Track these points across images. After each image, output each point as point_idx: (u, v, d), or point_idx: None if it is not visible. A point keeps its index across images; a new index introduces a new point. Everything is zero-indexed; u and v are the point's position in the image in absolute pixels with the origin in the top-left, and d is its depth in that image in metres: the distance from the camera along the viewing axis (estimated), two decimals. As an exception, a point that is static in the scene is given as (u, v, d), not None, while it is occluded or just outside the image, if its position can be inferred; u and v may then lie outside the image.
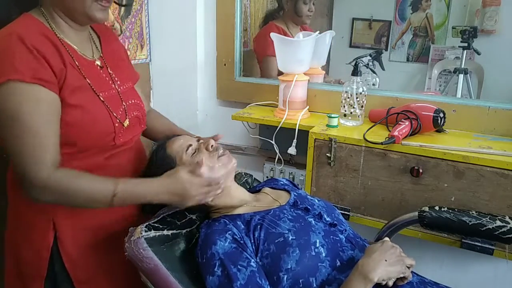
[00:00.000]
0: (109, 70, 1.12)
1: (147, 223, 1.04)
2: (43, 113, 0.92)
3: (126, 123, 1.11)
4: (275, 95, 1.69)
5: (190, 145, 1.12)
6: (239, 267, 0.93)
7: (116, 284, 1.19)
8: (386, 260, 0.94)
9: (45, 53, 0.93)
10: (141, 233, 1.00)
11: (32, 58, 0.91)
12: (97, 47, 1.14)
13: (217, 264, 0.94)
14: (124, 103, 1.12)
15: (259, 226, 1.01)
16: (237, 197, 1.14)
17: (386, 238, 1.03)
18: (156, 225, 1.05)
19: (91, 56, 1.09)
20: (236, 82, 1.83)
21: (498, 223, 1.10)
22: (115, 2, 1.13)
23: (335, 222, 1.09)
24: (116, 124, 1.07)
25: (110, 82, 1.11)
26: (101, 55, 1.13)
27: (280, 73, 1.64)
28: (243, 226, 1.02)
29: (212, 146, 1.11)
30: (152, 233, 1.01)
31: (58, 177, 0.94)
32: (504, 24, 1.69)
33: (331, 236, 1.04)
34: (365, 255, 0.96)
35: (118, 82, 1.13)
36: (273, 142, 1.65)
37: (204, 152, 1.10)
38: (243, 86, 1.82)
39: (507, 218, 1.11)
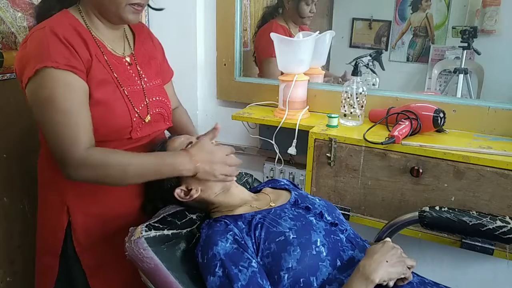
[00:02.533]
0: (137, 67, 1.18)
1: (147, 223, 1.04)
2: (75, 96, 1.00)
3: (148, 118, 1.16)
4: (275, 95, 1.69)
5: (191, 142, 1.12)
6: (240, 267, 0.93)
7: (124, 274, 1.21)
8: (387, 261, 0.94)
9: (74, 44, 1.01)
10: (141, 233, 1.00)
11: (64, 48, 1.00)
12: (129, 45, 1.20)
13: (218, 264, 0.94)
14: (147, 99, 1.17)
15: (259, 225, 1.01)
16: (238, 197, 1.14)
17: (388, 239, 1.03)
18: (157, 225, 1.05)
19: (122, 52, 1.16)
20: (236, 82, 1.83)
21: (499, 223, 1.10)
22: (149, 6, 1.22)
23: (336, 221, 1.09)
24: (134, 119, 1.11)
25: (137, 78, 1.17)
26: (133, 52, 1.19)
27: (280, 74, 1.64)
28: (244, 226, 1.02)
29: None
30: (153, 233, 1.01)
31: (93, 153, 1.01)
32: (504, 24, 1.68)
33: (332, 236, 1.04)
34: (366, 256, 0.96)
35: (145, 79, 1.19)
36: (273, 142, 1.65)
37: None
38: (243, 86, 1.82)
39: (507, 218, 1.11)
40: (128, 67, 1.16)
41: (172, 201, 1.14)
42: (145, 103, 1.16)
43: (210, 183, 1.11)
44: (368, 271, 0.91)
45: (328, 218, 1.09)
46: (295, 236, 0.98)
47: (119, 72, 1.11)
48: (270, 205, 1.12)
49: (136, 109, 1.12)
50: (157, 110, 1.20)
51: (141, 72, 1.18)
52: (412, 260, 0.99)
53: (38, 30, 1.02)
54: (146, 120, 1.15)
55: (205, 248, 0.98)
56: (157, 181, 1.10)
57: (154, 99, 1.19)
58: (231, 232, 0.99)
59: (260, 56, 1.94)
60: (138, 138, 1.15)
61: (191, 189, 1.11)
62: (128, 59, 1.16)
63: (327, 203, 1.16)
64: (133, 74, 1.16)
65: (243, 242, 0.98)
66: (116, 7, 1.04)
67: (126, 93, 1.11)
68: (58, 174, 1.04)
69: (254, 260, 0.95)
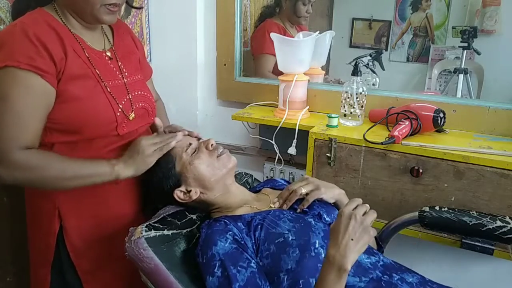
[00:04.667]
0: (118, 61, 1.16)
1: (147, 223, 1.04)
2: (30, 99, 0.98)
3: (132, 114, 1.15)
4: (275, 95, 1.68)
5: (190, 144, 1.12)
6: (239, 268, 0.93)
7: (120, 277, 1.21)
8: (352, 239, 0.86)
9: (47, 42, 0.98)
10: (141, 233, 1.00)
11: (31, 47, 0.97)
12: (108, 40, 1.19)
13: (217, 264, 0.94)
14: (130, 94, 1.15)
15: (259, 226, 1.01)
16: (238, 197, 1.14)
17: (341, 210, 0.92)
18: (157, 225, 1.05)
19: (102, 47, 1.14)
20: (236, 82, 1.83)
21: (499, 223, 1.10)
22: (128, 4, 1.20)
23: None
24: (118, 113, 1.10)
25: (118, 72, 1.15)
26: (112, 47, 1.18)
27: (279, 73, 1.64)
28: (243, 227, 1.02)
29: (212, 145, 1.11)
30: (153, 233, 1.01)
31: (29, 155, 0.99)
32: (504, 24, 1.69)
33: None
34: (332, 242, 0.88)
35: (126, 74, 1.17)
36: (273, 142, 1.65)
37: (204, 151, 1.11)
38: (243, 86, 1.82)
39: (507, 218, 1.11)
40: (109, 61, 1.14)
41: (172, 201, 1.14)
42: (128, 98, 1.14)
43: (210, 185, 1.11)
44: (339, 261, 0.84)
45: (327, 219, 1.09)
46: (294, 238, 0.98)
47: (100, 67, 1.09)
48: (270, 207, 1.12)
49: (119, 104, 1.11)
50: (140, 104, 1.18)
51: (122, 66, 1.17)
52: (371, 214, 0.91)
53: (10, 26, 1.01)
54: (131, 115, 1.14)
55: (205, 248, 0.98)
56: (157, 182, 1.11)
57: (136, 93, 1.18)
58: (230, 232, 0.99)
59: (254, 53, 1.94)
60: (126, 133, 1.14)
61: (190, 190, 1.11)
62: (108, 53, 1.15)
63: (326, 204, 1.16)
64: (114, 69, 1.15)
65: (242, 242, 0.98)
66: (91, 8, 1.02)
67: (108, 88, 1.09)
68: None
69: (253, 261, 0.95)
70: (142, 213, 1.20)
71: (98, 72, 1.08)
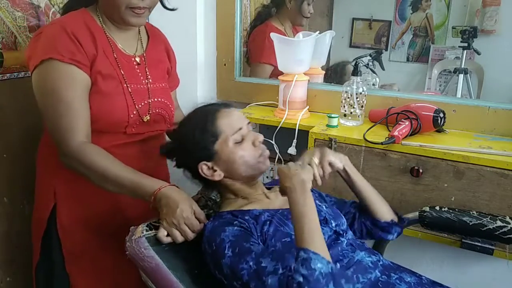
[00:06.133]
0: (146, 67, 1.23)
1: (148, 222, 1.04)
2: (76, 89, 1.07)
3: (147, 117, 1.20)
4: (275, 95, 1.69)
5: (240, 128, 1.08)
6: (251, 243, 0.93)
7: (101, 268, 1.25)
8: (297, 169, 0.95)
9: (80, 38, 1.08)
10: (142, 232, 1.00)
11: (70, 42, 1.06)
12: (142, 46, 1.25)
13: (227, 246, 0.93)
14: (150, 99, 1.21)
15: (268, 222, 1.01)
16: (259, 188, 1.13)
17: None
18: (158, 224, 1.05)
19: (133, 52, 1.22)
20: (236, 82, 1.83)
21: (499, 223, 1.10)
22: (163, 6, 1.27)
23: (340, 231, 1.08)
24: (132, 115, 1.16)
25: (143, 78, 1.22)
26: (143, 53, 1.24)
27: (280, 73, 1.64)
28: (251, 219, 1.01)
29: (259, 141, 1.10)
30: (153, 232, 1.02)
31: (85, 150, 1.06)
32: (504, 24, 1.69)
33: (335, 243, 1.03)
34: (282, 180, 0.96)
35: (151, 80, 1.23)
36: (273, 142, 1.65)
37: (249, 143, 1.09)
38: (243, 86, 1.82)
39: (507, 218, 1.11)
40: (136, 66, 1.21)
41: (192, 170, 1.11)
42: (147, 101, 1.20)
43: (237, 176, 1.09)
44: (298, 178, 0.93)
45: (333, 224, 1.08)
46: None
47: (126, 69, 1.17)
48: (283, 206, 1.11)
49: (136, 106, 1.17)
50: (157, 110, 1.24)
51: (148, 72, 1.23)
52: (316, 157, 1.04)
53: (51, 25, 1.12)
54: (145, 119, 1.20)
55: (213, 236, 0.97)
56: (190, 145, 1.07)
57: (157, 99, 1.24)
58: (236, 221, 0.99)
59: (251, 59, 1.94)
60: (133, 134, 1.19)
61: (216, 170, 1.08)
62: (137, 59, 1.22)
63: (333, 211, 1.14)
64: (140, 74, 1.21)
65: (249, 230, 0.98)
66: (117, 10, 1.10)
67: (129, 89, 1.16)
68: (53, 158, 1.12)
69: (261, 244, 0.95)
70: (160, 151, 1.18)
71: (123, 73, 1.16)
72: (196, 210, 1.03)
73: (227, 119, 1.08)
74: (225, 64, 1.83)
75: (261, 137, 1.10)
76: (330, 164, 1.08)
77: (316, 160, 1.06)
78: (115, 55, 1.15)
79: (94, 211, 1.21)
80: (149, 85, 1.22)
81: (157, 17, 1.82)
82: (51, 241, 1.21)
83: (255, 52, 1.91)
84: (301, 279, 0.80)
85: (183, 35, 1.82)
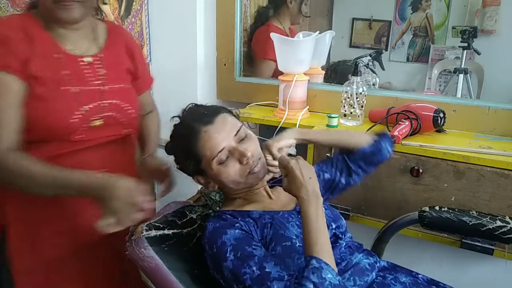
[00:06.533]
0: (100, 68, 1.13)
1: (147, 222, 1.04)
2: (3, 96, 0.99)
3: (98, 121, 1.10)
4: (275, 95, 1.69)
5: (222, 149, 1.00)
6: (253, 246, 0.92)
7: (53, 283, 1.16)
8: (310, 177, 0.96)
9: (13, 40, 1.01)
10: (142, 233, 1.00)
11: (2, 46, 0.99)
12: (97, 45, 1.15)
13: (228, 249, 0.92)
14: (103, 101, 1.11)
15: (269, 225, 1.00)
16: (258, 194, 1.11)
17: (283, 162, 1.01)
18: (157, 224, 1.05)
19: (83, 52, 1.12)
20: (236, 82, 1.83)
21: (499, 223, 1.10)
22: None
23: (340, 232, 1.08)
24: (72, 120, 1.06)
25: (94, 78, 1.11)
26: (97, 53, 1.14)
27: (280, 73, 1.64)
28: (252, 221, 1.01)
29: (245, 160, 1.01)
30: (153, 233, 1.02)
31: (9, 156, 0.97)
32: (504, 24, 1.69)
33: (333, 245, 1.03)
34: (296, 189, 0.94)
35: (106, 81, 1.13)
36: (273, 142, 1.65)
37: (236, 160, 1.02)
38: (243, 86, 1.82)
39: (507, 218, 1.11)
40: (84, 67, 1.11)
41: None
42: (99, 104, 1.11)
43: (230, 190, 1.07)
44: (314, 192, 0.93)
45: (333, 226, 1.08)
46: (301, 245, 0.97)
47: (71, 70, 1.07)
48: (285, 208, 1.10)
49: (81, 109, 1.07)
50: (110, 113, 1.13)
51: (103, 73, 1.13)
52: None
53: None
54: (96, 124, 1.10)
55: (214, 238, 0.97)
56: (179, 159, 1.06)
57: (111, 101, 1.14)
58: (238, 224, 0.99)
59: (256, 57, 1.94)
60: (82, 140, 1.09)
61: (210, 182, 1.07)
62: (89, 59, 1.12)
63: (333, 213, 1.14)
64: (91, 74, 1.11)
65: (250, 233, 0.98)
66: (46, 6, 1.02)
67: (71, 91, 1.06)
68: None
69: (263, 248, 0.95)
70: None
71: (66, 75, 1.06)
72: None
73: (208, 143, 1.00)
74: (225, 64, 1.83)
75: (247, 153, 1.00)
76: (281, 149, 1.11)
77: (269, 156, 1.09)
78: (57, 56, 1.06)
79: (44, 224, 1.11)
80: (103, 87, 1.12)
81: (157, 17, 1.83)
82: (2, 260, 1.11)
83: (260, 50, 1.91)
84: (311, 286, 0.81)
85: (183, 35, 1.82)
